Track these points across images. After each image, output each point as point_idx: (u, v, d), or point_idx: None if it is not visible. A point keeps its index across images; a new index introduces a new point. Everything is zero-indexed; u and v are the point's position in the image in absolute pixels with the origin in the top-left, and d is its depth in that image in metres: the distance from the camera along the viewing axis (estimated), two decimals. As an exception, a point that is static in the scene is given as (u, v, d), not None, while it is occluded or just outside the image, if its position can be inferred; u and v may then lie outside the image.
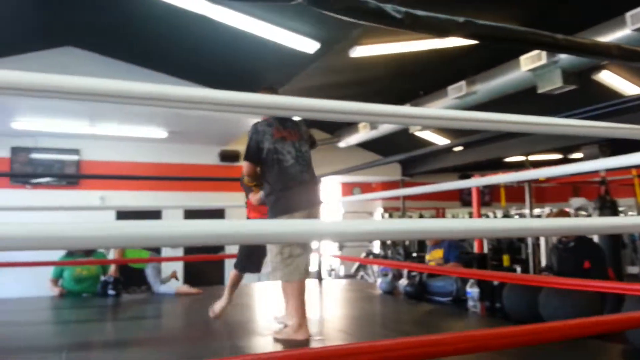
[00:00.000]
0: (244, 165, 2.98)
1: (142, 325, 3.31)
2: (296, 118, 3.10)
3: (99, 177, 7.85)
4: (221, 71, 6.55)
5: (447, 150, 9.58)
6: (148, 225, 1.07)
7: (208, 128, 7.67)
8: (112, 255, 5.05)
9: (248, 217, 3.55)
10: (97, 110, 6.76)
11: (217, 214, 8.16)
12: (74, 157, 8.09)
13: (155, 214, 7.39)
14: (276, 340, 2.76)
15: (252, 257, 3.36)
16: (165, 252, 8.05)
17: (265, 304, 4.38)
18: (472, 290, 3.57)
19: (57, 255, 5.00)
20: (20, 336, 3.09)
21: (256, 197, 3.19)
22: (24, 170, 7.81)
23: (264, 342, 2.84)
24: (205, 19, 4.81)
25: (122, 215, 7.42)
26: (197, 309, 3.92)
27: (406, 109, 1.70)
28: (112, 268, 4.76)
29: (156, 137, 7.98)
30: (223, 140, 8.76)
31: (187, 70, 6.62)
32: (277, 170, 2.79)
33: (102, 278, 4.71)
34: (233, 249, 8.17)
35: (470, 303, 3.57)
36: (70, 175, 8.22)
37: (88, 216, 7.05)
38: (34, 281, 6.43)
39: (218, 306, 3.32)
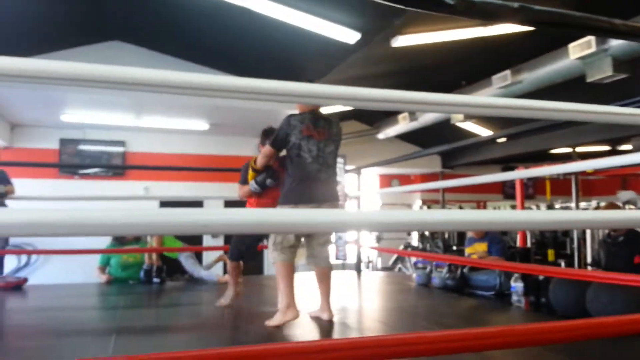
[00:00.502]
0: (265, 149, 3.14)
1: (186, 312, 3.40)
2: (331, 118, 3.21)
3: (143, 168, 8.07)
4: (263, 63, 6.61)
5: (489, 141, 9.36)
6: (188, 213, 1.11)
7: (248, 120, 7.75)
8: (152, 244, 5.19)
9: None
10: (142, 104, 6.94)
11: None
12: (120, 149, 8.35)
13: (197, 204, 7.54)
14: (270, 326, 2.82)
15: (243, 246, 3.54)
16: (207, 241, 8.25)
17: (308, 293, 4.42)
18: (517, 285, 3.49)
19: (103, 244, 5.20)
20: (72, 320, 3.23)
21: (243, 189, 3.37)
22: (73, 161, 8.11)
23: (307, 330, 2.86)
24: (247, 11, 4.85)
25: (165, 205, 7.59)
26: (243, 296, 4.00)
27: (451, 97, 1.65)
28: (154, 256, 4.89)
29: (198, 129, 8.14)
30: (259, 131, 8.82)
31: (230, 63, 6.70)
32: (297, 164, 2.94)
33: (144, 266, 4.85)
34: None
35: (514, 297, 3.50)
36: (117, 166, 8.49)
37: (133, 206, 7.26)
38: (82, 268, 6.72)
39: (226, 297, 3.49)
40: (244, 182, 3.40)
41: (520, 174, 4.60)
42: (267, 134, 3.44)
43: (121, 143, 8.36)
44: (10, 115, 7.46)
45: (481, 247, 4.26)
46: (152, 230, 1.10)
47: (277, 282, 2.94)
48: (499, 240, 4.47)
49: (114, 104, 6.95)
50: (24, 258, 7.40)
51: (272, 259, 3.01)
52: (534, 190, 12.74)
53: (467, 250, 4.38)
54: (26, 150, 7.92)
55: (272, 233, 2.86)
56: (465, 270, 4.13)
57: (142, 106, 7.09)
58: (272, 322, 2.85)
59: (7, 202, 4.67)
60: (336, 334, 2.81)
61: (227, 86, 1.40)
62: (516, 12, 1.23)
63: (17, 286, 4.53)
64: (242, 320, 3.20)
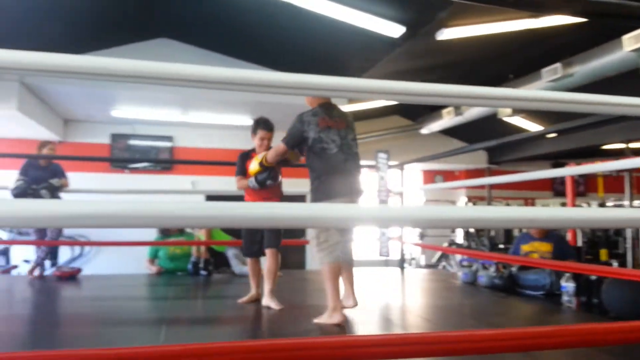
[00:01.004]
0: (277, 147, 3.09)
1: (232, 305, 3.46)
2: (343, 109, 3.14)
3: (190, 162, 8.27)
4: (307, 58, 6.63)
5: (538, 136, 9.07)
6: (233, 207, 1.15)
7: (291, 115, 7.75)
8: (200, 237, 5.31)
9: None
10: (189, 100, 7.11)
11: (299, 198, 8.31)
12: (168, 144, 8.59)
13: (241, 198, 7.67)
14: (316, 325, 2.78)
15: (254, 242, 3.44)
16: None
17: (361, 289, 4.43)
18: (568, 285, 3.37)
19: (152, 237, 5.37)
20: (124, 310, 3.35)
21: (242, 182, 3.38)
22: (123, 155, 8.41)
23: (351, 324, 2.87)
24: (292, 7, 4.88)
25: (211, 199, 7.77)
26: (281, 290, 4.05)
27: (499, 91, 1.61)
28: (202, 249, 5.01)
29: (242, 125, 8.25)
30: (305, 127, 8.89)
31: (274, 59, 6.76)
32: (322, 158, 2.89)
33: (192, 259, 4.97)
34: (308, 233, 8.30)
35: (565, 298, 3.39)
36: (165, 161, 8.74)
37: (180, 199, 7.46)
38: (132, 260, 6.95)
39: (247, 297, 3.45)
40: (241, 173, 3.42)
41: (572, 170, 4.44)
42: (259, 123, 3.47)
43: (169, 138, 8.60)
44: (63, 111, 7.79)
45: (544, 247, 4.09)
46: (200, 223, 1.13)
47: (325, 283, 2.84)
48: (566, 242, 4.30)
49: (161, 100, 7.15)
50: (77, 249, 7.74)
51: (319, 260, 2.89)
52: (585, 187, 12.29)
53: (525, 248, 4.22)
54: (79, 145, 8.26)
55: (321, 228, 2.80)
56: (514, 269, 4.02)
57: (188, 102, 7.26)
58: (319, 319, 2.84)
59: (61, 194, 4.89)
60: (380, 330, 2.80)
61: (271, 82, 1.42)
62: (569, 3, 1.19)
63: (72, 276, 4.74)
64: (286, 314, 3.23)
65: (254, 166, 3.25)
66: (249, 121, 8.06)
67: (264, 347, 1.26)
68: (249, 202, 3.06)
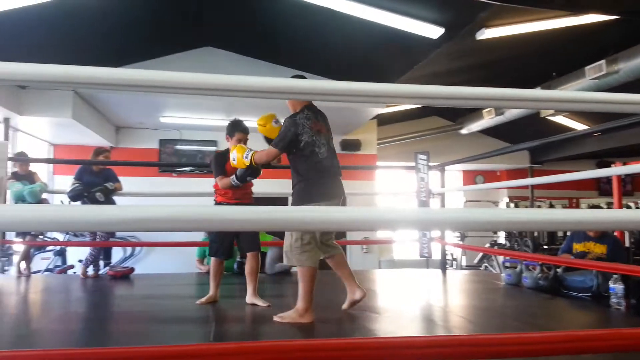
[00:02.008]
0: (269, 151, 3.04)
1: (276, 303, 3.54)
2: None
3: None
4: (346, 63, 6.70)
5: (582, 135, 8.84)
6: (269, 211, 1.21)
7: (330, 118, 7.85)
8: None
9: (216, 202, 3.67)
10: (232, 105, 7.30)
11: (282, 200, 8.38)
12: (213, 148, 8.85)
13: (283, 200, 7.80)
14: (280, 323, 2.84)
15: (224, 243, 3.56)
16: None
17: (403, 290, 4.47)
18: (616, 287, 3.31)
19: (199, 238, 5.55)
20: (174, 308, 3.49)
21: (224, 181, 3.42)
22: (171, 160, 8.72)
23: (391, 325, 2.92)
24: (330, 12, 4.96)
25: (255, 200, 7.92)
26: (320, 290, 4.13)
27: (540, 93, 1.61)
28: None
29: (282, 128, 8.40)
30: (344, 129, 8.95)
31: (315, 64, 6.87)
32: (312, 161, 2.92)
33: (238, 259, 5.10)
34: (355, 236, 8.36)
35: (613, 300, 3.32)
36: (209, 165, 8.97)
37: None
38: (181, 259, 7.18)
39: (205, 298, 3.51)
40: (222, 173, 3.49)
41: (618, 170, 4.35)
42: (236, 126, 3.54)
43: (214, 142, 8.85)
44: (115, 118, 8.15)
45: (598, 248, 4.01)
46: (243, 227, 1.18)
47: (300, 284, 2.88)
48: (621, 245, 4.19)
49: (206, 106, 7.37)
50: (129, 249, 8.06)
51: (296, 262, 2.90)
52: (632, 186, 11.87)
53: (578, 248, 4.14)
54: (130, 150, 8.62)
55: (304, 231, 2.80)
56: (559, 270, 3.97)
57: (232, 107, 7.45)
58: (284, 318, 2.86)
59: (114, 198, 5.11)
60: (423, 332, 2.84)
61: (309, 89, 1.48)
62: (618, 1, 1.21)
63: (125, 275, 4.96)
64: (327, 312, 3.30)
65: (238, 162, 3.20)
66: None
67: (301, 347, 1.32)
68: (247, 205, 3.22)
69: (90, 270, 4.96)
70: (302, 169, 2.95)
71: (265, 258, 5.29)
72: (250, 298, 3.45)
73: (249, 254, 3.51)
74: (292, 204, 3.09)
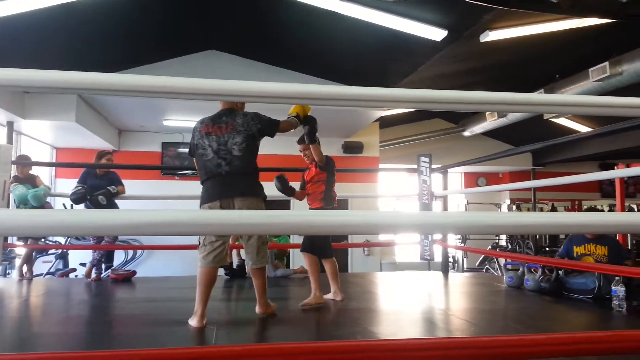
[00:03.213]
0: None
1: (285, 305, 3.54)
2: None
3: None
4: (349, 65, 6.71)
5: (585, 137, 8.83)
6: (272, 215, 1.22)
7: (332, 121, 7.89)
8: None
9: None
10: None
11: (342, 203, 8.39)
12: (214, 151, 8.85)
13: (284, 203, 7.81)
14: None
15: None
16: (293, 239, 8.50)
17: (405, 292, 4.47)
18: (618, 289, 3.31)
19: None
20: (176, 311, 3.48)
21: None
22: (173, 163, 8.74)
23: (392, 327, 2.92)
24: (334, 15, 4.97)
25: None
26: (324, 292, 4.13)
27: (542, 97, 1.60)
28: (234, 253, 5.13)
29: (284, 131, 8.40)
30: (346, 132, 8.96)
31: (317, 67, 6.88)
32: (200, 163, 3.01)
33: (237, 262, 5.08)
34: (356, 238, 8.36)
35: (615, 302, 3.32)
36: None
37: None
38: (181, 262, 7.16)
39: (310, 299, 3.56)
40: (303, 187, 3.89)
41: (622, 172, 4.34)
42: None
43: (215, 145, 8.85)
44: (117, 121, 8.18)
45: (599, 250, 4.01)
46: (243, 230, 1.18)
47: (197, 286, 2.91)
48: (621, 245, 4.19)
49: (209, 109, 7.34)
50: (130, 252, 8.08)
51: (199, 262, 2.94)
52: (635, 188, 11.84)
53: (578, 250, 4.14)
54: (132, 153, 8.65)
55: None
56: (561, 272, 3.96)
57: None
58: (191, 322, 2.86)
59: (117, 201, 5.11)
60: (424, 334, 2.84)
61: (311, 94, 1.48)
62: (625, 6, 1.21)
63: (127, 278, 4.96)
64: (331, 315, 3.30)
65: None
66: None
67: (301, 350, 1.32)
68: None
69: (93, 274, 4.97)
70: (198, 170, 3.10)
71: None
72: (331, 295, 3.67)
73: (323, 260, 3.71)
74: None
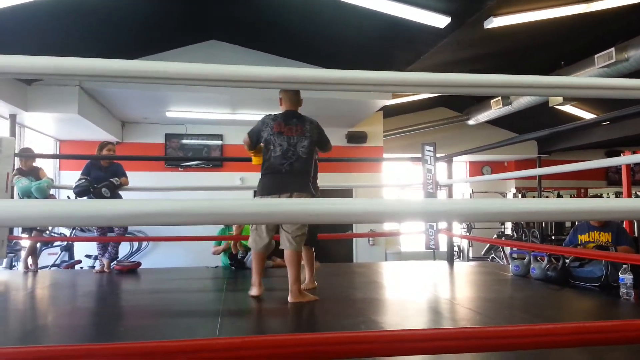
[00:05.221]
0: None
1: (280, 296, 3.54)
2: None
3: (239, 159, 8.46)
4: (351, 54, 6.66)
5: (591, 124, 8.76)
6: (276, 204, 1.22)
7: (335, 111, 7.86)
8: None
9: None
10: (237, 99, 7.29)
11: (346, 193, 8.38)
12: (218, 142, 8.86)
13: (347, 192, 7.83)
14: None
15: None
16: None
17: (409, 282, 4.45)
18: (625, 277, 3.28)
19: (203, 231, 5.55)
20: (181, 302, 3.50)
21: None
22: (177, 154, 8.74)
23: (397, 317, 2.91)
24: (334, 2, 4.91)
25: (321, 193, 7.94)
26: (332, 283, 4.12)
27: (551, 79, 1.57)
28: (233, 244, 5.09)
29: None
30: (350, 122, 8.91)
31: (319, 55, 6.83)
32: (265, 156, 3.35)
33: (240, 253, 5.06)
34: (361, 228, 8.35)
35: (622, 290, 3.29)
36: (215, 158, 9.00)
37: (230, 195, 7.67)
38: (185, 253, 7.17)
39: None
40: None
41: (628, 159, 4.29)
42: None
43: (219, 137, 8.85)
44: (120, 113, 8.16)
45: (603, 237, 3.96)
46: (251, 220, 1.18)
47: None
48: (625, 231, 4.14)
49: (212, 100, 7.36)
50: (135, 244, 8.10)
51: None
52: (641, 175, 11.77)
53: (583, 238, 4.10)
54: (135, 145, 8.64)
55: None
56: (567, 260, 3.93)
57: (237, 101, 7.43)
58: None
59: (121, 193, 5.10)
60: (430, 324, 2.82)
61: (311, 78, 1.45)
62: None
63: (132, 269, 4.97)
64: (336, 305, 3.29)
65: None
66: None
67: (306, 341, 1.30)
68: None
69: (97, 265, 4.98)
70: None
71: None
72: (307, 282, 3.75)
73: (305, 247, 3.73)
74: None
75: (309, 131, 3.34)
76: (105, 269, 4.93)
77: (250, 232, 3.43)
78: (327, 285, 3.92)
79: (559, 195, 11.21)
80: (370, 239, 9.25)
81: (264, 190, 3.30)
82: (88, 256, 7.33)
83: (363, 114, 8.49)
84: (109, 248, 5.00)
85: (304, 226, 3.30)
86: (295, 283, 3.23)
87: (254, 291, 3.32)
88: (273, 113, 3.48)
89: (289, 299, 3.21)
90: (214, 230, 5.59)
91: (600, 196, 8.54)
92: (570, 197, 11.36)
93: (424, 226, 5.67)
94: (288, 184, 3.23)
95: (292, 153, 3.27)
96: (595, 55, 5.68)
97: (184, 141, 8.79)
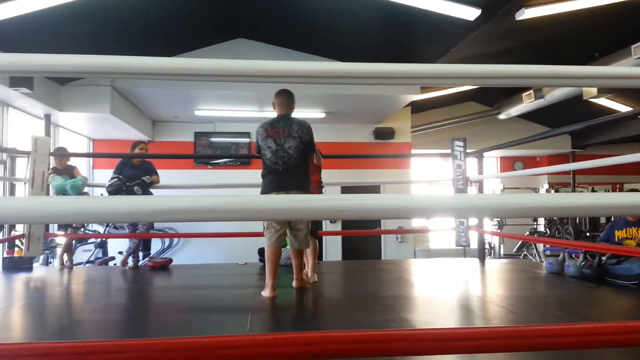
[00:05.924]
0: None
1: (306, 292, 3.54)
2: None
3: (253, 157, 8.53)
4: (378, 48, 6.60)
5: (626, 117, 8.48)
6: (303, 200, 1.22)
7: (363, 107, 7.81)
8: None
9: None
10: (264, 97, 7.31)
11: (374, 189, 8.33)
12: (246, 140, 8.92)
13: (375, 189, 7.82)
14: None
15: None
16: (325, 226, 8.50)
17: (440, 280, 4.40)
18: (667, 275, 3.16)
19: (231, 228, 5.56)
20: (212, 298, 3.54)
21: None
22: (206, 152, 8.84)
23: (428, 316, 2.87)
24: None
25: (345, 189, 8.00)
26: (357, 279, 4.10)
27: (589, 69, 1.50)
28: None
29: (315, 117, 8.36)
30: (377, 118, 8.85)
31: (346, 50, 6.79)
32: (262, 160, 3.55)
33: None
34: (389, 225, 8.29)
35: (663, 289, 3.18)
36: (244, 156, 9.07)
37: (256, 192, 7.71)
38: (216, 250, 7.24)
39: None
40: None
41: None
42: None
43: (247, 134, 8.91)
44: (151, 113, 8.30)
45: None
46: (277, 216, 1.18)
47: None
48: None
49: (240, 98, 7.41)
50: (167, 240, 8.24)
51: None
52: (681, 169, 11.35)
53: (620, 235, 3.98)
54: (166, 144, 8.79)
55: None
56: (604, 257, 3.81)
57: (264, 99, 7.46)
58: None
59: (152, 190, 5.20)
60: (462, 323, 2.78)
61: (344, 72, 1.44)
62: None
63: (164, 266, 5.05)
64: (365, 302, 3.27)
65: None
66: (320, 114, 8.23)
67: (336, 339, 1.28)
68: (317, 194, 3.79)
69: (130, 262, 5.08)
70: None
71: None
72: (310, 273, 3.97)
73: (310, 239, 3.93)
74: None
75: (296, 132, 3.48)
76: (122, 264, 5.07)
77: (263, 229, 3.51)
78: (356, 282, 3.90)
79: (593, 191, 10.91)
80: (399, 236, 9.17)
81: (265, 190, 3.48)
82: (121, 253, 7.47)
83: (390, 110, 8.41)
84: (129, 243, 5.11)
85: (307, 227, 3.58)
86: (299, 273, 3.63)
87: (267, 292, 3.35)
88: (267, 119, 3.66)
89: (294, 284, 3.63)
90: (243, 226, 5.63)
91: (637, 191, 8.26)
92: (605, 192, 11.05)
93: (454, 223, 5.59)
94: (286, 183, 3.41)
95: (282, 152, 3.44)
96: (632, 46, 5.49)
97: (213, 139, 8.89)
